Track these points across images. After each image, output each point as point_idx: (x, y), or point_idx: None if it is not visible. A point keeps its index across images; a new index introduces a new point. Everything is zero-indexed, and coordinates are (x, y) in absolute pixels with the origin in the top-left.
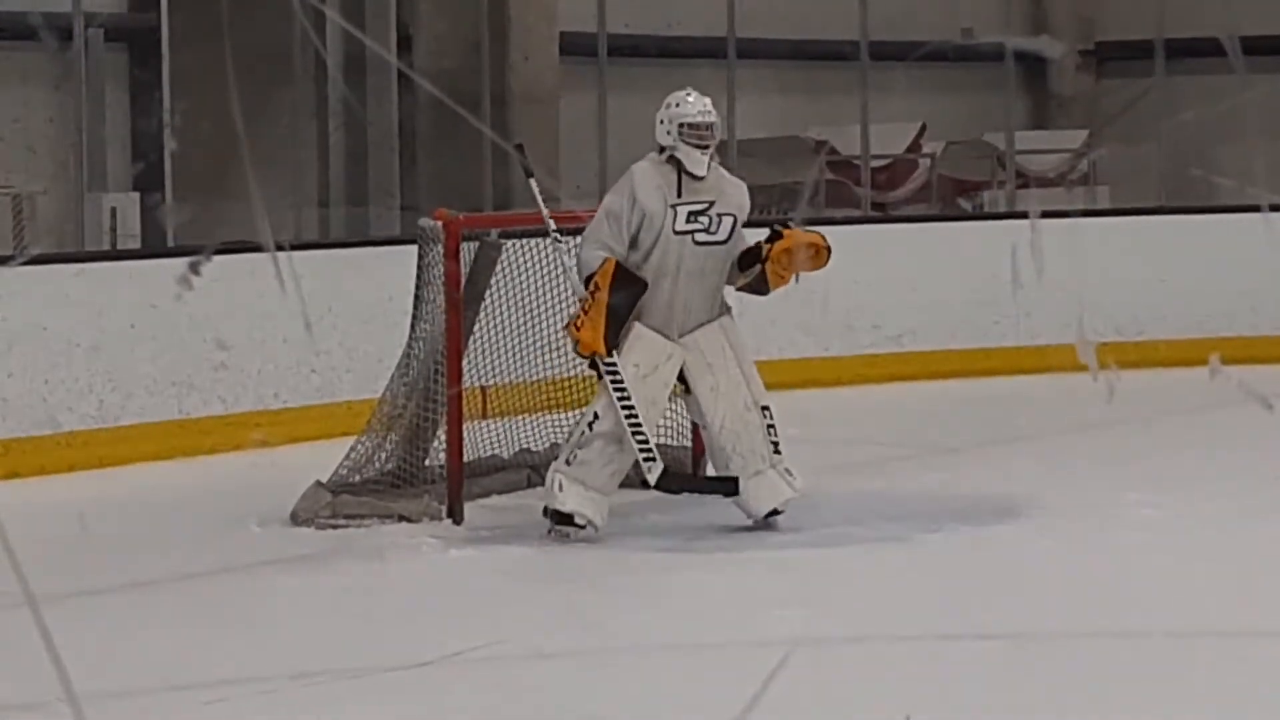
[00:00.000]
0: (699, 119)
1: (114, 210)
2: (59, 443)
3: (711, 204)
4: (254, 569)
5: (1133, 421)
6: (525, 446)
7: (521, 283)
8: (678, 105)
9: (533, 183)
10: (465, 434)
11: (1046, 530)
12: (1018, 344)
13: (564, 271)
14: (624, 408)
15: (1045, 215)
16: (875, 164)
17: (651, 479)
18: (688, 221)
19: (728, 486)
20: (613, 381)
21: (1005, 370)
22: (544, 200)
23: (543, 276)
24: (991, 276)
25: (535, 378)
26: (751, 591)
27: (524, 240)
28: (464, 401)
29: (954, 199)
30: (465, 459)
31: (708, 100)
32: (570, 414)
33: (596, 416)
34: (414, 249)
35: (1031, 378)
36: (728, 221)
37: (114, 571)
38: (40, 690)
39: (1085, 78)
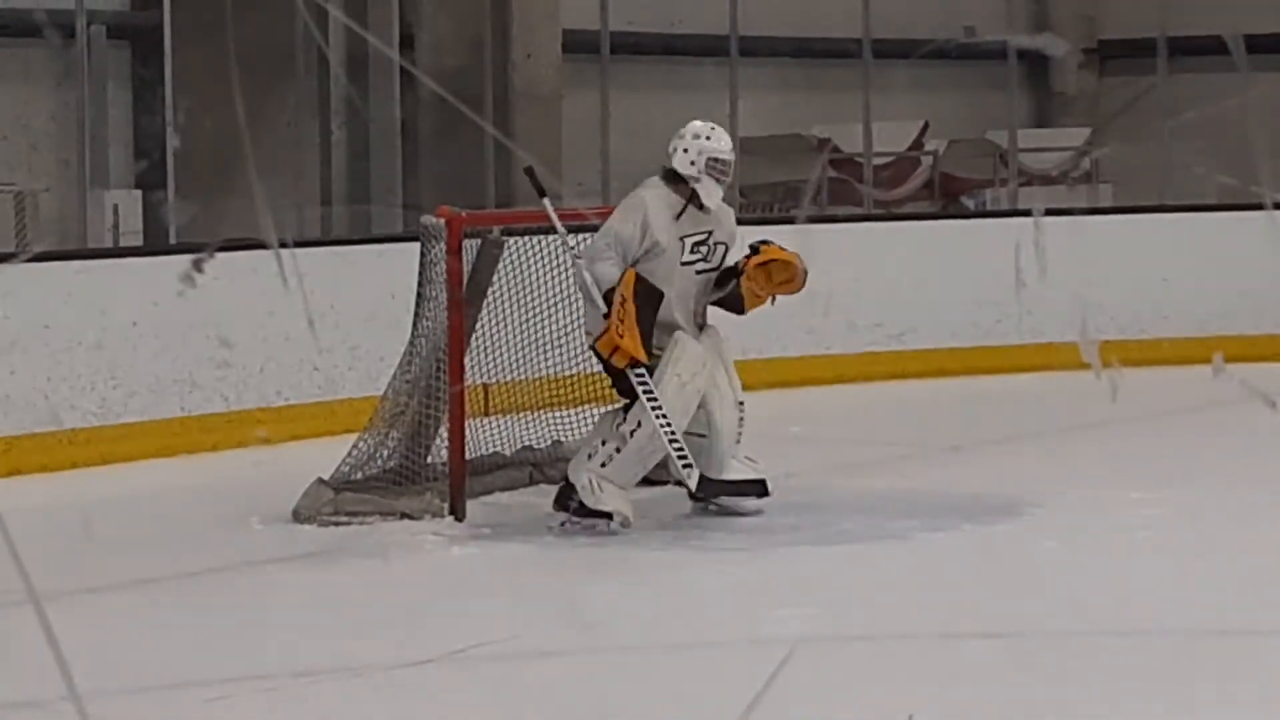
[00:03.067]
0: (727, 155)
1: (116, 208)
2: (61, 440)
3: (710, 233)
4: (256, 566)
5: (1135, 420)
6: (527, 444)
7: (524, 280)
8: (707, 138)
9: (546, 203)
10: (467, 431)
11: (1049, 529)
12: (1020, 342)
13: (582, 288)
14: (658, 415)
15: (1048, 213)
16: (877, 162)
17: (692, 484)
18: (691, 252)
19: (760, 488)
20: (645, 391)
21: (1007, 368)
22: (548, 200)
23: (545, 274)
24: (994, 275)
25: (537, 375)
26: (754, 590)
27: (526, 238)
28: (466, 399)
29: (956, 197)
30: (467, 456)
31: (723, 132)
32: (571, 411)
33: (639, 425)
34: (416, 246)
35: (1034, 376)
36: (721, 249)
37: (116, 569)
38: (42, 688)
39: (1088, 76)
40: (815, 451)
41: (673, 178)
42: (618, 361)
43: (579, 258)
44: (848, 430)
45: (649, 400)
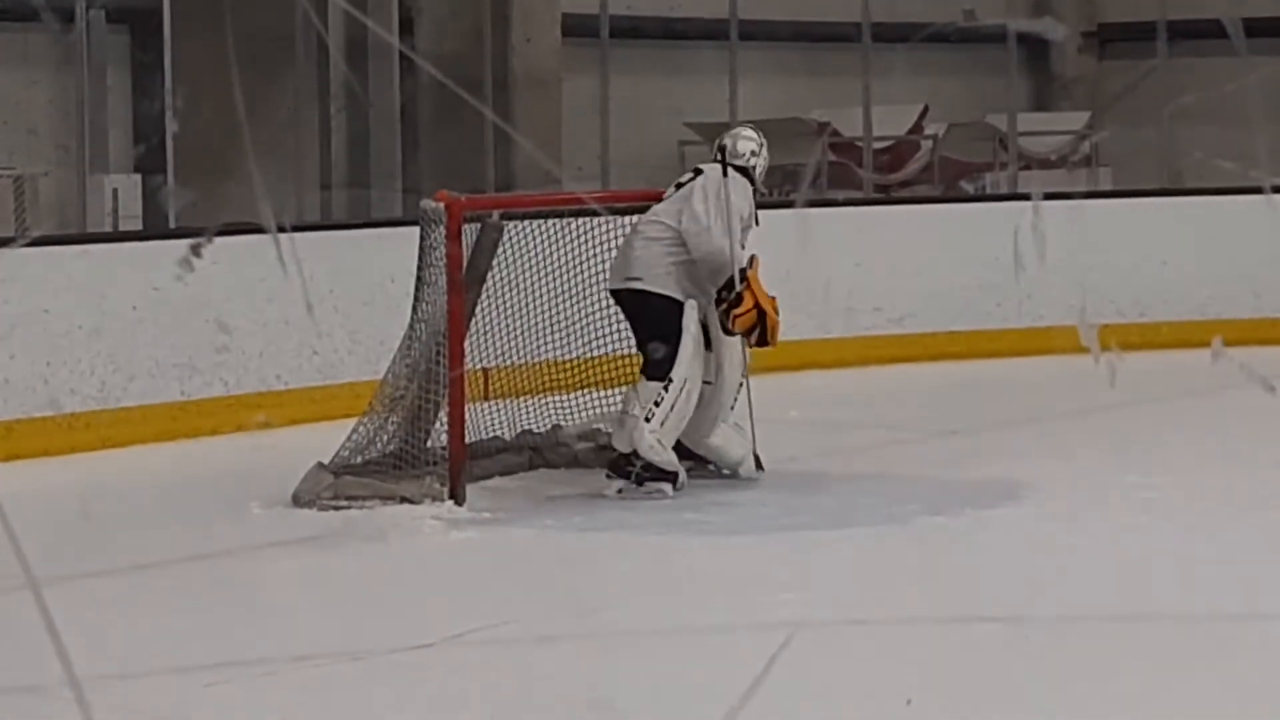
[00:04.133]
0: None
1: (116, 192)
2: (61, 425)
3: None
4: (255, 551)
5: (1135, 404)
6: (527, 428)
7: (523, 265)
8: (766, 149)
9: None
10: (467, 415)
11: (1048, 513)
12: (1019, 326)
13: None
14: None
15: (1047, 197)
16: (877, 146)
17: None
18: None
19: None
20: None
21: (1007, 353)
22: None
23: (544, 258)
24: (993, 259)
25: (537, 359)
26: (753, 575)
27: (525, 222)
28: (466, 383)
29: (956, 181)
30: (467, 441)
31: None
32: (571, 395)
33: (687, 381)
34: (416, 231)
35: (1033, 360)
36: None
37: (115, 553)
38: (41, 673)
39: (1087, 59)
40: (814, 436)
41: (740, 173)
42: (751, 334)
43: (704, 230)
44: (847, 414)
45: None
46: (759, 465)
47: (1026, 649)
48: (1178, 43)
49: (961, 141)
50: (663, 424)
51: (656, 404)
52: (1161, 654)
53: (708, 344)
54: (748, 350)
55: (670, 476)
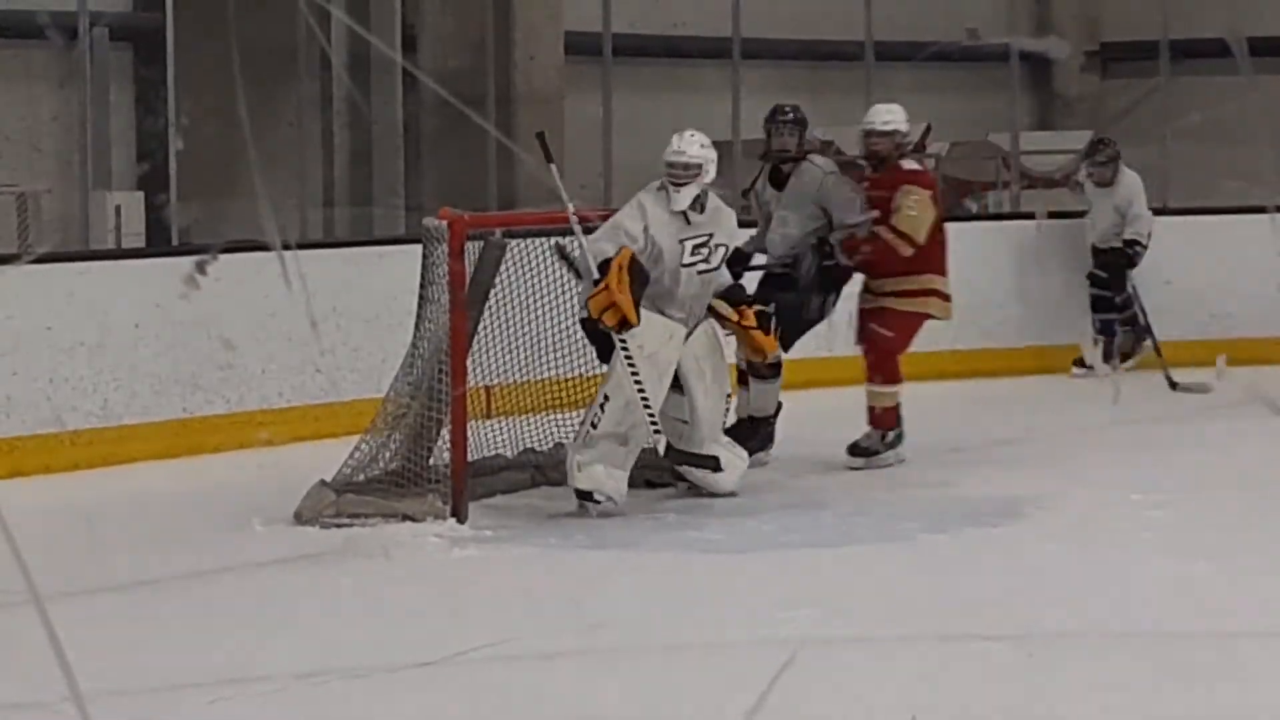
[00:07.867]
0: (672, 158)
1: (119, 209)
2: (64, 441)
3: (711, 235)
4: (258, 568)
5: (1138, 422)
6: (529, 446)
7: (526, 282)
8: (670, 146)
9: (553, 168)
10: (469, 433)
11: (1051, 531)
12: (1022, 345)
13: (582, 271)
14: (635, 382)
15: (1050, 216)
16: None
17: (660, 448)
18: (692, 255)
19: (714, 463)
20: (625, 356)
21: (1010, 371)
22: (554, 167)
23: (547, 276)
24: (996, 277)
25: (539, 377)
26: (758, 591)
27: (528, 240)
28: (468, 401)
29: (959, 199)
30: (469, 458)
31: (688, 137)
32: (574, 413)
33: (607, 398)
34: (418, 248)
35: (1037, 379)
36: (721, 250)
37: (118, 570)
38: (45, 689)
39: (1090, 78)
40: (818, 453)
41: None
42: (608, 319)
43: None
44: (850, 432)
45: (628, 363)
46: (720, 468)
47: (1029, 666)
48: (1180, 62)
49: (964, 160)
50: (586, 444)
51: (587, 423)
52: (1164, 672)
53: (679, 385)
54: (726, 378)
55: (585, 494)
